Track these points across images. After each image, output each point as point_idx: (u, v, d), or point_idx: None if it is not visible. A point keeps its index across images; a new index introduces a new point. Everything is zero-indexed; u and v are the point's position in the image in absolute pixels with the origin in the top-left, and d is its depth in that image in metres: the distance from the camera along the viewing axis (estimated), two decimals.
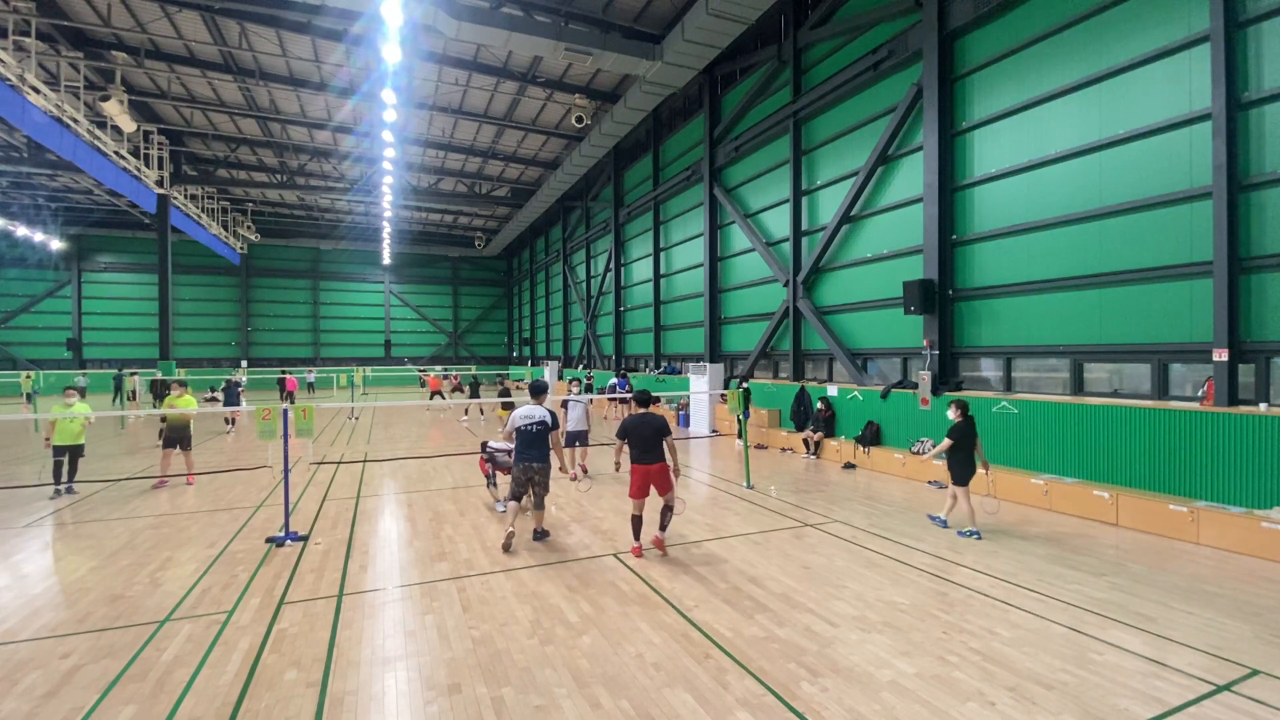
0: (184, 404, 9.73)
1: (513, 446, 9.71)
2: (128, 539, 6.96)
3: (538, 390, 6.80)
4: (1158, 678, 3.85)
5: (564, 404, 9.89)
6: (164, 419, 9.88)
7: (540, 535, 6.78)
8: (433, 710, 3.57)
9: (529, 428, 6.51)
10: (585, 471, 10.08)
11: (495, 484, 8.96)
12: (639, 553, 6.29)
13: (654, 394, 7.28)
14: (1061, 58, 8.84)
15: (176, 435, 9.83)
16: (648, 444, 6.27)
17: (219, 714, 3.53)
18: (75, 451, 9.25)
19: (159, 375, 23.50)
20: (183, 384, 10.31)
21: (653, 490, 6.31)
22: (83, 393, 9.84)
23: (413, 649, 4.31)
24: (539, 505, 6.77)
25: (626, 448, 6.42)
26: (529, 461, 6.49)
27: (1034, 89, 9.19)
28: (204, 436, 16.19)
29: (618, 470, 7.10)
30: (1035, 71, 9.19)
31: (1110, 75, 8.25)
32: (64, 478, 9.20)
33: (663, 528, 6.41)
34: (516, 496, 6.55)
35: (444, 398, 21.48)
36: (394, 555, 6.40)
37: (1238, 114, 7.06)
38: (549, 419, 6.57)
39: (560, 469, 7.01)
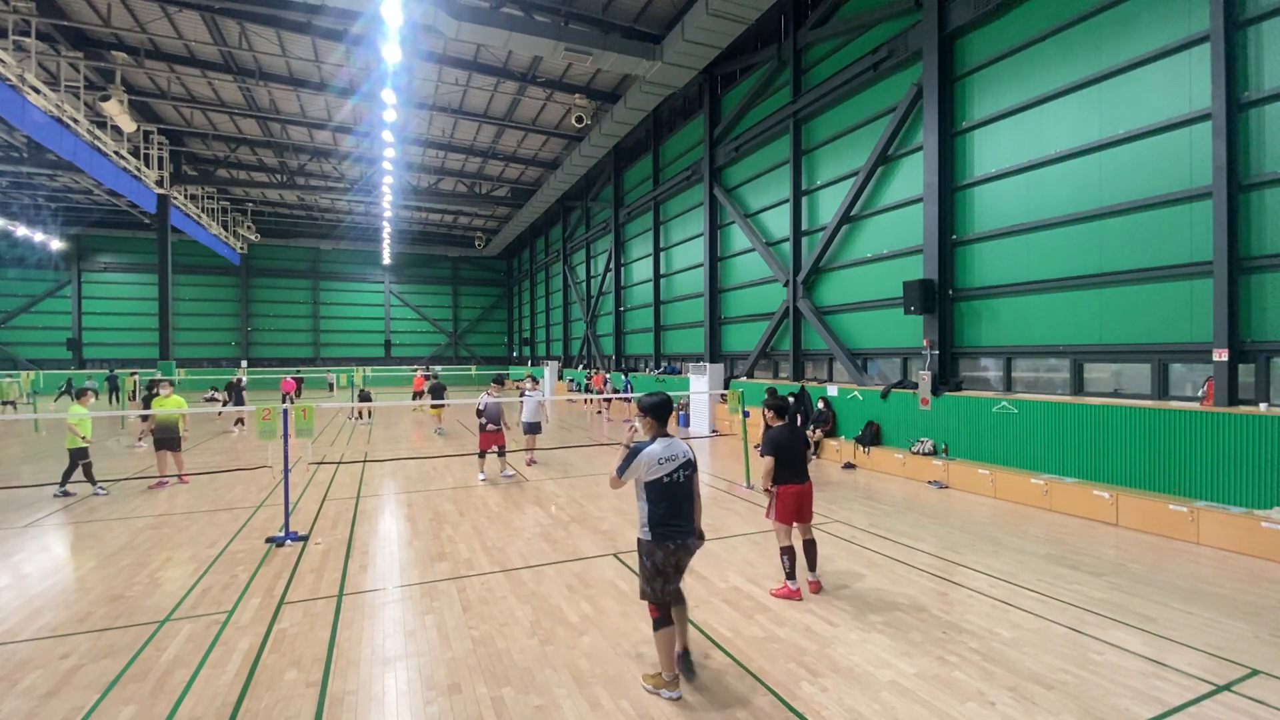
0: (172, 404, 9.61)
1: (492, 400, 10.26)
2: (128, 539, 6.96)
3: (663, 409, 3.92)
4: (1158, 678, 3.85)
5: (521, 396, 10.80)
6: (145, 419, 9.81)
7: (688, 665, 3.90)
8: (433, 710, 3.57)
9: (675, 476, 3.77)
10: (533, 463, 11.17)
11: (490, 454, 10.36)
12: (798, 595, 5.16)
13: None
14: (1061, 58, 8.84)
15: (167, 436, 9.69)
16: (801, 460, 5.32)
17: (219, 714, 3.53)
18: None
19: (159, 375, 23.41)
20: (171, 384, 10.19)
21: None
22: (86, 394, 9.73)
23: (413, 649, 4.31)
24: (679, 597, 3.92)
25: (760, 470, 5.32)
26: (682, 538, 3.77)
27: (1034, 89, 9.19)
28: (208, 435, 16.18)
29: (767, 491, 5.32)
30: (1035, 71, 9.19)
31: (1110, 75, 8.25)
32: (83, 478, 9.15)
33: (813, 566, 5.38)
34: (665, 613, 3.74)
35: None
36: (394, 555, 6.40)
37: (1238, 114, 7.06)
38: (694, 456, 3.92)
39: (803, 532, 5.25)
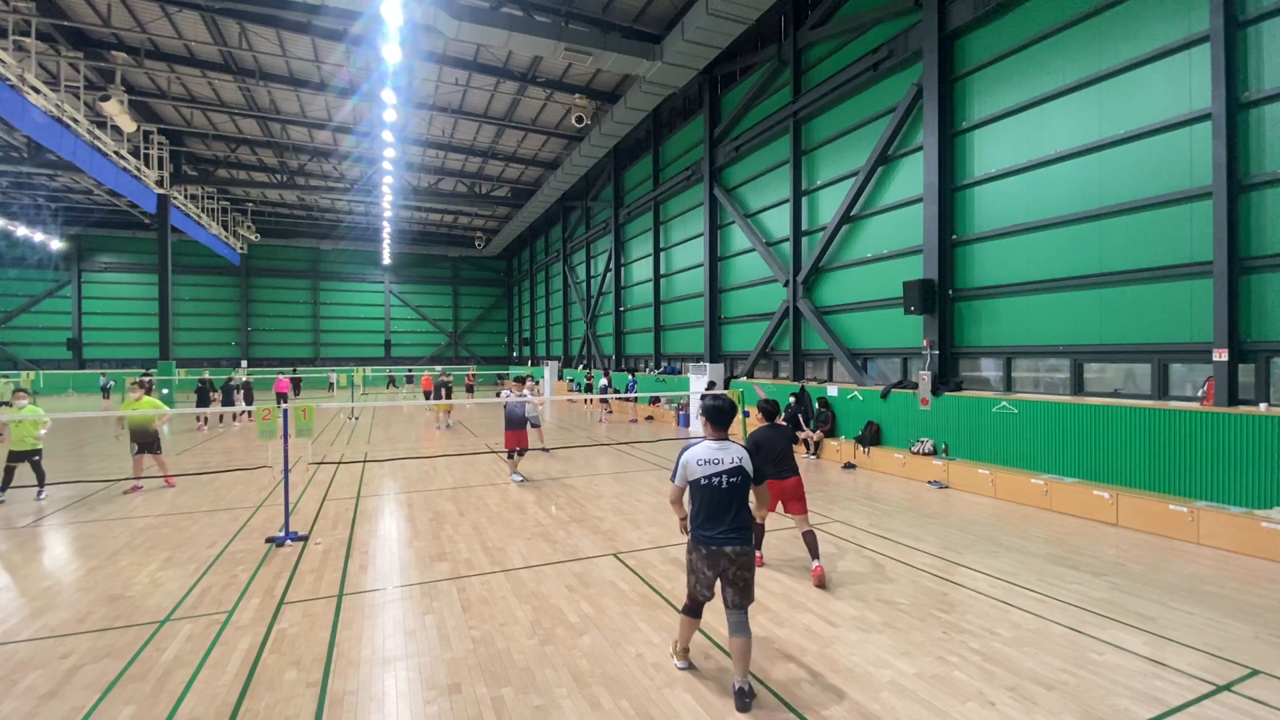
0: (144, 407, 9.27)
1: (517, 399, 10.33)
2: (128, 539, 6.96)
3: (720, 414, 3.84)
4: (1158, 678, 3.85)
5: (506, 403, 10.40)
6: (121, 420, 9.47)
7: (744, 706, 3.54)
8: (433, 710, 3.57)
9: (716, 480, 3.67)
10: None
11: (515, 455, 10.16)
12: (760, 562, 5.89)
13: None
14: (1061, 58, 8.84)
15: (142, 440, 9.40)
16: (780, 456, 5.69)
17: (219, 714, 3.53)
18: (29, 456, 8.70)
19: (206, 375, 22.69)
20: (143, 386, 9.79)
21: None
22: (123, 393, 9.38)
23: (413, 649, 4.31)
24: (740, 628, 3.63)
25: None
26: (720, 545, 3.62)
27: (1034, 89, 9.19)
28: (212, 435, 16.20)
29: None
30: (1035, 71, 9.19)
31: (1110, 75, 8.25)
32: (16, 485, 8.89)
33: (816, 555, 5.53)
34: (695, 605, 3.86)
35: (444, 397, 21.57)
36: (394, 555, 6.40)
37: (1238, 114, 7.06)
38: (748, 463, 3.73)
39: (760, 517, 5.21)
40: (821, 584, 5.42)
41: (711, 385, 15.83)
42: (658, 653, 4.22)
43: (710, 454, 3.71)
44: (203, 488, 9.66)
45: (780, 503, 5.78)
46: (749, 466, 3.73)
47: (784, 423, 6.07)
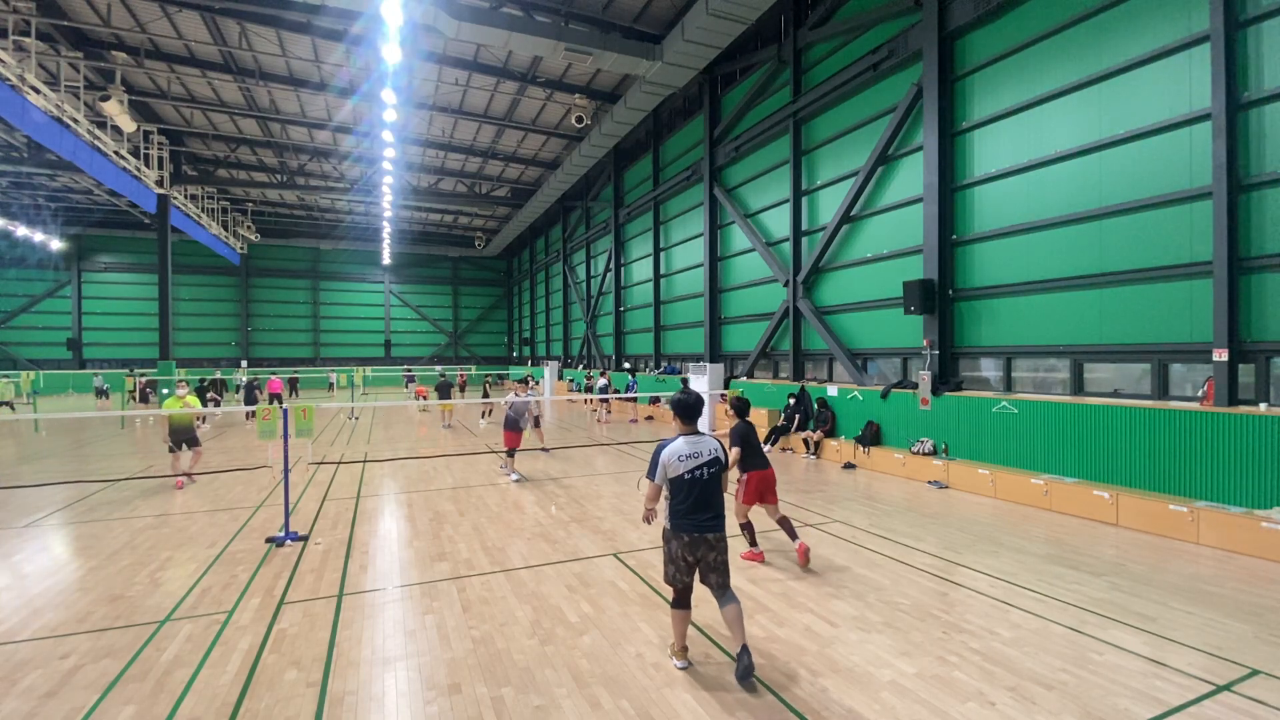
0: (193, 403, 9.86)
1: (521, 399, 10.48)
2: (128, 539, 6.96)
3: (690, 410, 4.07)
4: (1158, 678, 3.85)
5: (511, 403, 10.55)
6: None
7: (747, 668, 3.74)
8: (433, 710, 3.57)
9: (698, 473, 3.90)
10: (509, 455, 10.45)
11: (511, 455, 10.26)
12: (762, 558, 6.11)
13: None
14: (1061, 58, 8.84)
15: (186, 435, 9.95)
16: (758, 448, 6.20)
17: (219, 714, 3.53)
18: None
19: (214, 375, 22.73)
20: (187, 384, 10.55)
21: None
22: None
23: (413, 649, 4.31)
24: (729, 599, 3.91)
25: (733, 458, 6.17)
26: (704, 531, 3.88)
27: (1034, 89, 9.19)
28: (219, 430, 16.20)
29: (739, 482, 6.22)
30: (1035, 71, 9.19)
31: (1110, 75, 8.25)
32: None
33: (794, 535, 6.01)
34: (681, 595, 4.00)
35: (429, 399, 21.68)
36: (394, 555, 6.40)
37: (1238, 114, 7.06)
38: (721, 454, 4.00)
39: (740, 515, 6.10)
40: (806, 559, 5.77)
41: (685, 382, 15.90)
42: (658, 653, 4.22)
43: (689, 449, 3.93)
44: (203, 488, 9.66)
45: (763, 493, 6.14)
46: (724, 455, 4.03)
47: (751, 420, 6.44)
